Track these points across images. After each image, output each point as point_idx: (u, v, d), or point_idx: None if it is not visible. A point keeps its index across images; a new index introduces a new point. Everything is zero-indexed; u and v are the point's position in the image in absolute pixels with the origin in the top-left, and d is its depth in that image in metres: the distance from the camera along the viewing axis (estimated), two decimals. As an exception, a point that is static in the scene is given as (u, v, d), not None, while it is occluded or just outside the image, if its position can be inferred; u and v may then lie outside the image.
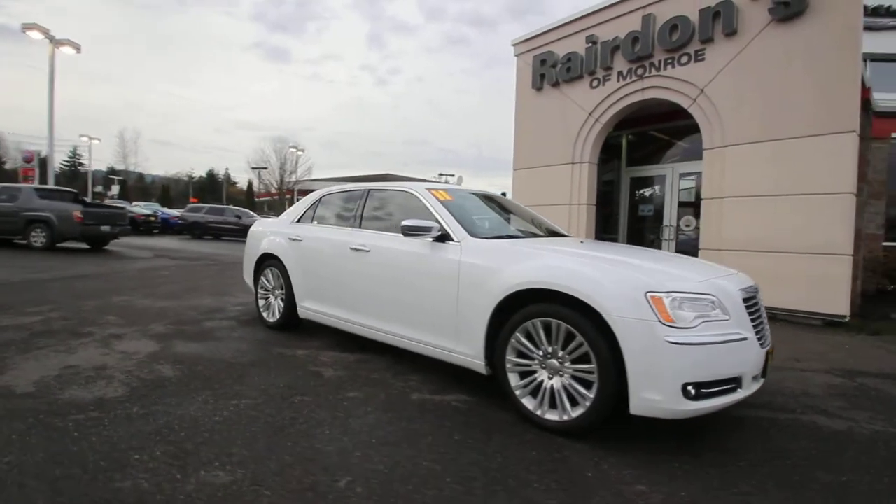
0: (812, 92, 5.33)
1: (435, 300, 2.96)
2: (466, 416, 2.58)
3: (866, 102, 5.37)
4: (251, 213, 22.73)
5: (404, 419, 2.51)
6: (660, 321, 2.12)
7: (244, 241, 5.20)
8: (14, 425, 2.24)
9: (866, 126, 5.44)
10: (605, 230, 8.91)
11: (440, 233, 3.01)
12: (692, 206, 7.71)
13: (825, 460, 2.25)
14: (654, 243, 7.98)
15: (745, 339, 2.26)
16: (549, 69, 8.15)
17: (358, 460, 2.06)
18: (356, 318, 3.54)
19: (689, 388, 2.11)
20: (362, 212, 3.75)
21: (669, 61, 6.60)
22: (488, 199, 3.94)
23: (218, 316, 4.92)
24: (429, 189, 3.45)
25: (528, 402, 2.50)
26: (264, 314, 4.51)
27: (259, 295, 4.60)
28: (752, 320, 2.36)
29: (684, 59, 6.44)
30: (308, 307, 4.00)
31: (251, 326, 4.48)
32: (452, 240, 2.98)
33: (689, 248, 7.13)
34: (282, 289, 4.29)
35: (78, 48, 14.33)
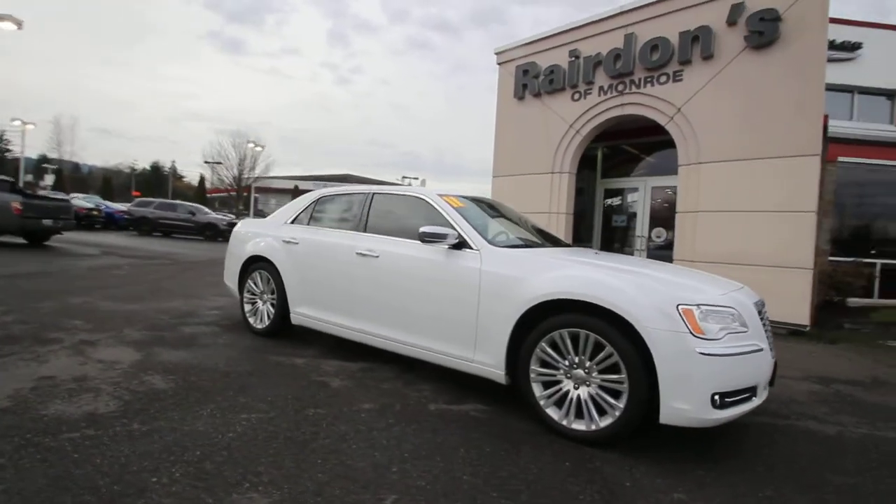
0: (781, 116, 5.74)
1: (452, 309, 2.91)
2: (489, 427, 2.55)
3: (824, 128, 5.84)
4: (205, 209, 21.63)
5: (428, 431, 2.45)
6: (691, 333, 2.18)
7: (198, 240, 4.99)
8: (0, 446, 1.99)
9: (824, 150, 5.92)
10: (577, 239, 9.16)
11: (457, 240, 2.97)
12: (662, 218, 8.09)
13: (830, 463, 2.39)
14: (626, 253, 8.29)
15: (761, 349, 2.37)
16: (531, 80, 8.31)
17: (396, 476, 1.98)
18: (361, 326, 3.43)
19: (716, 397, 2.18)
20: (367, 216, 3.64)
21: (649, 79, 6.90)
22: (490, 206, 3.94)
23: (194, 320, 4.62)
24: (441, 195, 3.41)
25: (553, 413, 2.51)
26: (251, 320, 4.28)
27: (245, 299, 4.36)
28: (764, 332, 2.49)
29: (663, 79, 6.76)
30: (304, 313, 3.84)
31: (235, 332, 4.24)
32: (471, 248, 2.95)
33: (660, 258, 7.45)
34: (273, 293, 4.09)
35: (20, 24, 13.13)
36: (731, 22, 6.07)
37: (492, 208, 3.92)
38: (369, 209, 3.66)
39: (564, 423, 2.46)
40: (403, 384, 3.13)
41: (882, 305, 8.43)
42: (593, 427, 2.37)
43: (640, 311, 2.26)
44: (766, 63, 5.83)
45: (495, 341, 2.71)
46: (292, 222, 4.18)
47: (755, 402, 2.37)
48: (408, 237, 3.35)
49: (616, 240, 8.82)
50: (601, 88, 7.45)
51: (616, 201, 8.90)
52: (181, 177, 59.91)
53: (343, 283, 3.54)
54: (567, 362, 2.49)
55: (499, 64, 8.96)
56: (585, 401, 2.42)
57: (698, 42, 6.33)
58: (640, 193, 8.31)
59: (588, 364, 2.43)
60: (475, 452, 2.24)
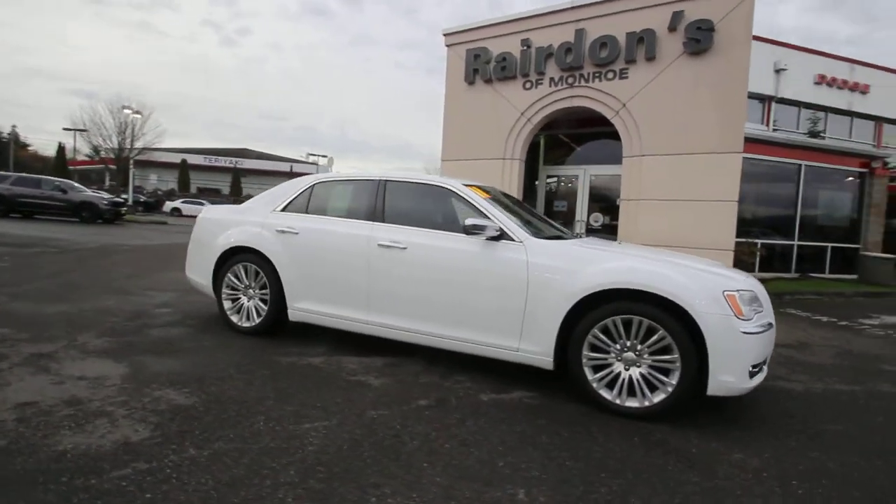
0: (711, 116, 6.54)
1: (497, 300, 2.94)
2: (548, 413, 2.66)
3: (739, 129, 6.80)
4: (79, 186, 18.40)
5: (500, 422, 2.49)
6: (735, 315, 2.49)
7: (74, 222, 4.44)
8: (37, 497, 1.61)
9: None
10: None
11: (497, 232, 2.99)
12: (600, 204, 8.80)
13: (818, 415, 2.91)
14: (568, 236, 8.90)
15: (773, 326, 2.79)
16: (482, 65, 8.38)
17: (507, 469, 2.00)
18: (382, 320, 3.29)
19: (751, 368, 2.53)
20: (383, 205, 3.46)
21: (597, 74, 7.37)
22: (503, 195, 3.96)
23: (153, 322, 4.05)
24: (466, 185, 3.37)
25: (606, 393, 2.69)
26: (233, 318, 3.86)
27: (225, 296, 3.91)
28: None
29: (610, 75, 7.27)
30: (306, 309, 3.57)
31: (214, 332, 3.81)
32: (512, 239, 2.99)
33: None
34: (263, 288, 3.73)
35: None
36: (672, 28, 6.70)
37: (505, 198, 3.94)
38: (384, 198, 3.49)
39: (618, 401, 2.66)
40: (440, 377, 3.10)
41: (763, 279, 10.17)
42: (647, 403, 2.61)
43: (693, 297, 2.50)
44: (700, 68, 6.58)
45: (544, 330, 2.81)
46: (283, 209, 3.81)
47: (765, 371, 2.79)
48: (435, 227, 3.28)
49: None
50: (552, 80, 7.78)
51: (560, 188, 9.44)
52: (25, 145, 49.62)
53: (360, 276, 3.35)
54: (618, 346, 2.68)
55: (447, 46, 8.86)
56: (637, 380, 2.64)
57: (643, 43, 6.91)
58: (581, 180, 8.92)
59: (639, 347, 2.64)
60: (557, 439, 2.34)
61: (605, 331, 2.69)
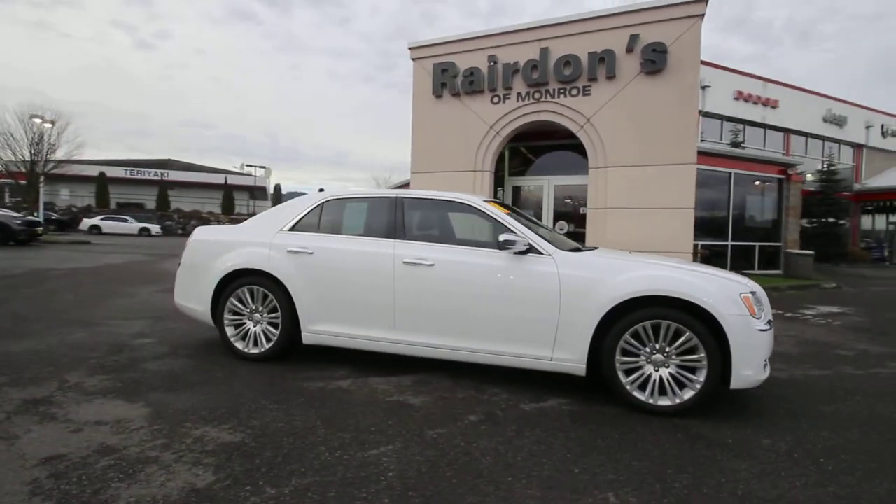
0: (667, 131, 7.14)
1: (530, 312, 3.04)
2: (591, 417, 2.79)
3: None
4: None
5: (555, 430, 2.57)
6: (750, 315, 2.77)
7: None
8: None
9: (689, 159, 7.59)
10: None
11: (526, 247, 3.10)
12: (564, 213, 9.24)
13: (810, 398, 3.28)
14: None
15: (772, 322, 3.12)
16: (450, 79, 8.55)
17: (586, 476, 2.09)
18: (411, 338, 3.28)
19: (764, 362, 2.83)
20: (403, 222, 3.46)
21: (562, 91, 7.79)
22: (515, 210, 4.06)
23: (140, 354, 3.76)
24: (486, 200, 3.45)
25: (639, 395, 2.87)
26: (238, 345, 3.66)
27: (227, 321, 3.69)
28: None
29: (574, 92, 7.71)
30: (324, 331, 3.47)
31: (218, 361, 3.60)
32: (540, 252, 3.11)
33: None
34: (274, 312, 3.58)
35: None
36: (630, 49, 7.26)
37: (516, 212, 4.02)
38: (403, 215, 3.49)
39: (651, 401, 2.85)
40: (475, 391, 3.14)
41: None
42: (678, 401, 2.81)
43: (716, 302, 2.75)
44: (656, 87, 7.17)
45: (578, 338, 2.95)
46: (291, 229, 3.68)
47: (769, 364, 3.11)
48: (458, 243, 3.34)
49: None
50: (519, 94, 8.11)
51: (525, 198, 9.79)
52: None
53: (385, 294, 3.31)
54: (647, 349, 2.88)
55: (413, 59, 8.95)
56: (667, 380, 2.85)
57: (604, 63, 7.41)
58: (545, 190, 9.32)
59: (668, 349, 2.85)
60: (612, 441, 2.47)
61: (636, 335, 2.88)
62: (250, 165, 47.38)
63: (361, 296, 3.39)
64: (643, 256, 3.52)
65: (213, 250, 3.80)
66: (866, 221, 20.90)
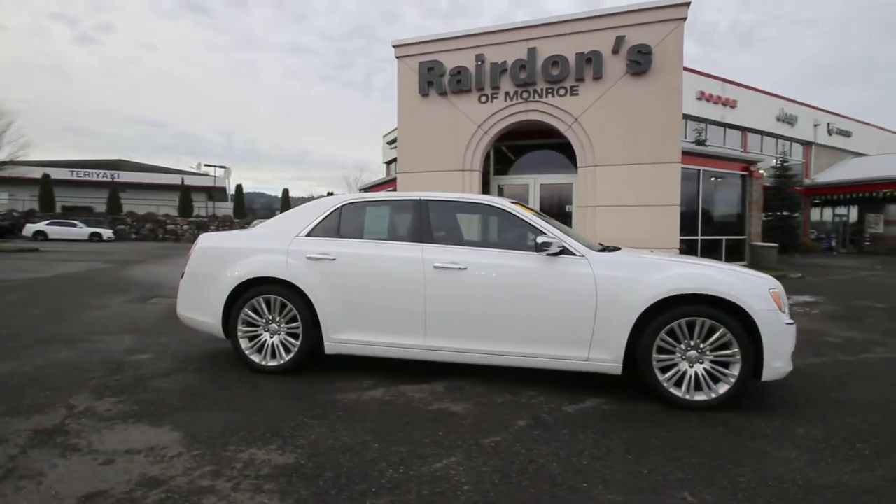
0: (653, 130, 7.36)
1: (566, 313, 3.04)
2: (634, 416, 2.81)
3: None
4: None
5: (606, 431, 2.58)
6: (779, 310, 2.88)
7: None
8: None
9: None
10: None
11: (560, 248, 3.10)
12: (549, 211, 9.36)
13: (820, 386, 3.44)
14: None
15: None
16: (437, 78, 8.47)
17: (658, 475, 2.10)
18: (443, 344, 3.22)
19: (790, 354, 2.95)
20: (429, 225, 3.38)
21: (550, 91, 7.88)
22: (532, 210, 4.03)
23: (145, 372, 3.53)
24: (512, 202, 3.43)
25: (676, 391, 2.93)
26: (254, 358, 3.49)
27: (241, 334, 3.50)
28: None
29: (562, 92, 7.82)
30: (348, 339, 3.35)
31: (234, 376, 3.42)
32: (573, 254, 3.12)
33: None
34: (293, 321, 3.42)
35: None
36: (616, 51, 7.43)
37: (538, 213, 3.99)
38: (428, 218, 3.41)
39: (688, 397, 2.91)
40: (511, 395, 3.12)
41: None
42: (713, 395, 2.89)
43: (748, 298, 2.84)
44: (642, 87, 7.37)
45: (615, 337, 2.97)
46: (308, 235, 3.53)
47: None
48: (488, 246, 3.31)
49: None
50: (507, 94, 8.14)
51: (507, 195, 9.86)
52: None
53: (415, 300, 3.23)
54: (682, 346, 2.94)
55: (397, 57, 8.82)
56: (703, 375, 2.92)
57: (591, 64, 7.55)
58: (531, 189, 9.41)
59: (702, 345, 2.92)
60: (664, 440, 2.50)
61: (671, 333, 2.94)
62: (209, 165, 45.50)
63: (389, 302, 3.30)
64: (663, 255, 3.60)
65: (223, 258, 3.59)
66: (815, 214, 22.40)
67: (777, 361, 2.85)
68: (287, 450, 2.29)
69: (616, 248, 3.61)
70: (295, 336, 3.44)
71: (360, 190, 26.45)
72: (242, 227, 25.55)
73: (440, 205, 3.49)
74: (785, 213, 18.73)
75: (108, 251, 18.77)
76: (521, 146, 9.77)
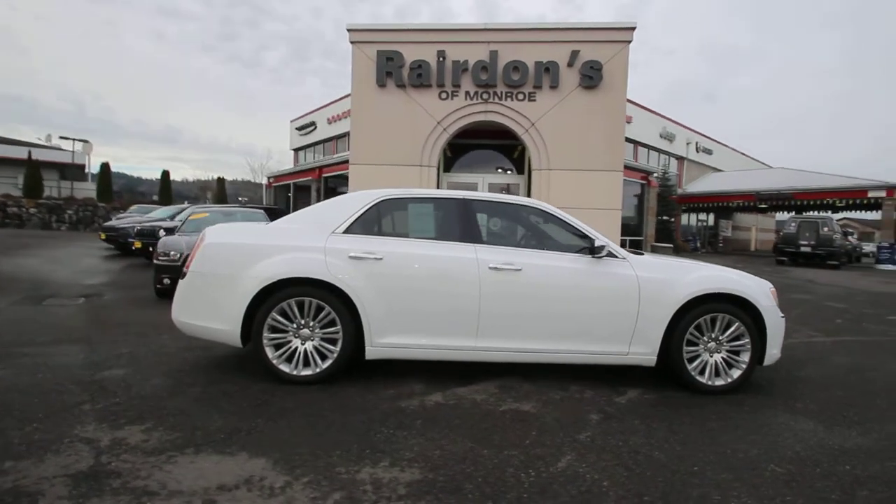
0: (600, 140, 8.06)
1: (613, 311, 3.27)
2: (678, 403, 3.12)
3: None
4: None
5: (667, 419, 2.84)
6: (776, 305, 3.44)
7: None
8: None
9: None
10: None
11: (606, 252, 3.31)
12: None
13: (791, 366, 4.17)
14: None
15: (768, 309, 3.89)
16: (396, 69, 8.26)
17: (747, 456, 2.40)
18: (493, 344, 3.24)
19: (782, 342, 3.54)
20: (477, 225, 3.37)
21: (510, 94, 8.18)
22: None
23: (142, 390, 3.08)
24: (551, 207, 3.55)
25: (701, 378, 3.33)
26: (284, 367, 3.15)
27: (267, 341, 3.13)
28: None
29: (521, 96, 8.16)
30: (393, 343, 3.21)
31: (259, 388, 3.09)
32: (615, 256, 3.35)
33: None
34: (330, 326, 3.17)
35: None
36: (570, 64, 7.97)
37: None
38: (475, 218, 3.39)
39: (710, 383, 3.33)
40: (562, 391, 3.26)
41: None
42: (729, 380, 3.35)
43: (758, 296, 3.35)
44: (592, 101, 8.02)
45: (653, 333, 3.28)
46: (346, 231, 3.27)
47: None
48: (535, 247, 3.40)
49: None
50: (467, 93, 8.25)
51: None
52: None
53: (470, 301, 3.20)
54: (705, 338, 3.36)
55: (352, 42, 8.40)
56: (721, 364, 3.37)
57: (549, 73, 8.00)
58: (479, 188, 9.67)
59: (720, 337, 3.37)
60: (717, 422, 2.83)
61: (698, 327, 3.33)
62: (65, 138, 38.21)
63: (441, 303, 3.21)
64: (676, 259, 4.03)
65: (243, 256, 3.16)
66: (685, 219, 26.36)
67: (774, 349, 3.40)
68: (402, 465, 2.15)
69: (640, 252, 3.95)
70: (332, 342, 3.17)
71: (269, 178, 24.45)
72: (118, 212, 21.91)
73: (485, 205, 3.49)
74: (665, 217, 21.76)
75: (-63, 238, 14.90)
76: (464, 144, 9.96)
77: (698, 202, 24.94)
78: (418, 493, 1.93)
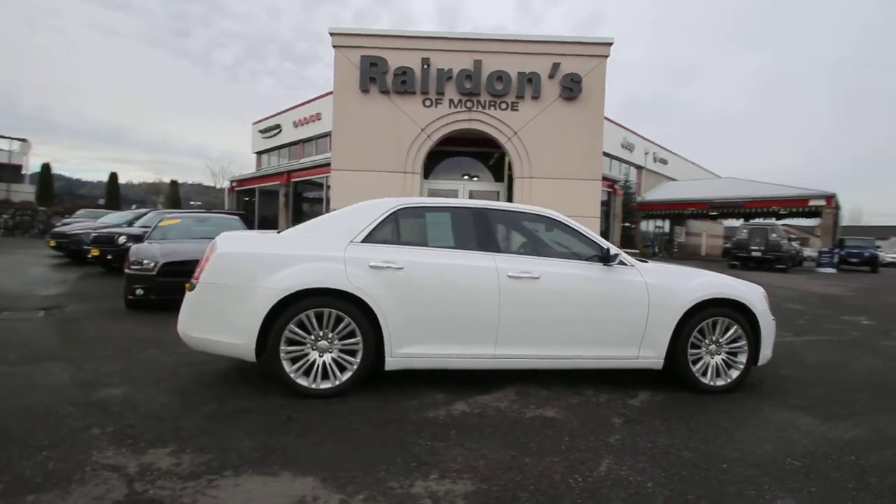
0: (579, 151, 8.35)
1: (625, 317, 3.39)
2: (684, 403, 3.29)
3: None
4: None
5: (685, 419, 2.98)
6: (768, 309, 3.69)
7: None
8: None
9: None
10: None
11: (618, 260, 3.44)
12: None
13: (777, 364, 4.46)
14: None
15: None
16: (380, 75, 8.22)
17: (763, 450, 2.56)
18: (512, 352, 3.29)
19: (773, 343, 3.79)
20: (495, 234, 3.41)
21: (493, 103, 8.32)
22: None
23: (151, 408, 2.94)
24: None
25: (703, 379, 3.52)
26: (301, 381, 3.06)
27: (284, 354, 3.04)
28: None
29: (504, 106, 8.33)
30: (413, 353, 3.19)
31: (277, 402, 2.99)
32: (624, 264, 3.49)
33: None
34: (350, 337, 3.11)
35: None
36: (552, 76, 8.22)
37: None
38: (492, 227, 3.44)
39: (712, 383, 3.52)
40: (577, 395, 3.34)
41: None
42: (728, 381, 3.54)
43: (754, 300, 3.58)
44: (572, 112, 8.29)
45: (661, 337, 3.44)
46: (364, 241, 3.23)
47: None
48: (550, 255, 3.48)
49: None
50: (451, 101, 8.33)
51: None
52: None
53: (490, 310, 3.23)
54: (707, 341, 3.55)
55: (335, 46, 8.29)
56: (721, 365, 3.57)
57: (531, 84, 8.21)
58: (460, 195, 9.75)
59: (721, 340, 3.57)
60: (730, 421, 3.00)
61: (700, 331, 3.52)
62: (3, 137, 35.27)
63: (463, 312, 3.23)
64: (676, 266, 4.23)
65: (259, 266, 3.05)
66: (643, 226, 27.58)
67: (767, 350, 3.64)
68: (452, 476, 2.15)
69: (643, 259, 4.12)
70: (351, 353, 3.12)
71: (232, 182, 23.52)
72: (60, 217, 20.42)
73: (501, 215, 3.54)
74: (627, 223, 22.71)
75: None
76: (442, 151, 10.03)
77: (656, 209, 26.20)
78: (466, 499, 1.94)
